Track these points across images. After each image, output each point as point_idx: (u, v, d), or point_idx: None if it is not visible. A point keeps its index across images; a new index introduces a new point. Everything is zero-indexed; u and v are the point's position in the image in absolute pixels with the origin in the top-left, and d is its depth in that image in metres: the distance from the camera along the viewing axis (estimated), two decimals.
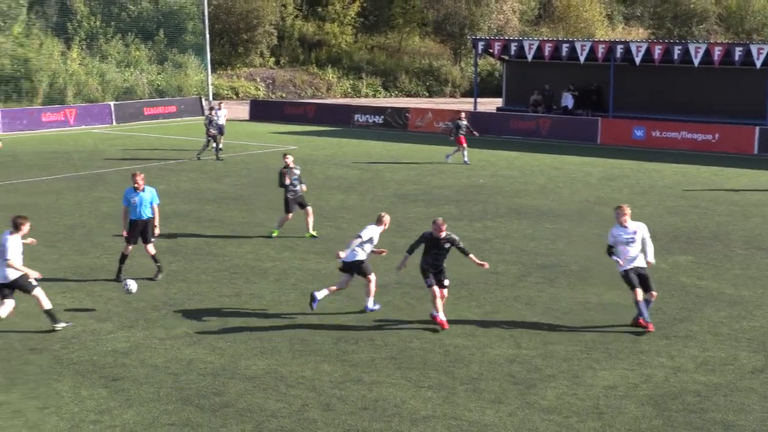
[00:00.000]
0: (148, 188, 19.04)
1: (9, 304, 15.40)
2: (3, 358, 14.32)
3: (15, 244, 15.27)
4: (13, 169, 33.93)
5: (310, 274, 19.51)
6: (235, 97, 67.02)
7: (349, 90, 70.15)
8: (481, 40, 50.94)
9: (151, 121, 53.20)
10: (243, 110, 57.72)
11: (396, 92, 70.75)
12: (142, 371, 13.87)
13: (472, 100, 57.30)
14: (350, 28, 73.72)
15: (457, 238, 16.06)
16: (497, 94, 59.18)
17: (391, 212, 25.59)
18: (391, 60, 72.47)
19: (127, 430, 11.89)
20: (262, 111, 54.93)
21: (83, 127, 49.92)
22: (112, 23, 62.52)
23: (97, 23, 62.20)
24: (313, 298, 16.62)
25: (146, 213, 18.93)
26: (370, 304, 16.97)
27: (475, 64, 55.79)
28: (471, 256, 16.16)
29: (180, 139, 44.44)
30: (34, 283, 15.49)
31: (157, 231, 19.19)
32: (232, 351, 14.77)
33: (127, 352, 14.71)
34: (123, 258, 19.09)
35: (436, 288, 15.98)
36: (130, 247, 18.99)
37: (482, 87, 64.81)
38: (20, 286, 15.39)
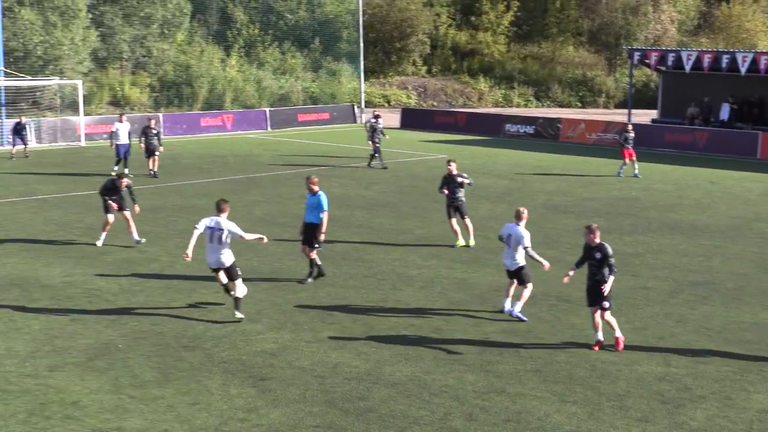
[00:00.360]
0: (320, 194, 19.18)
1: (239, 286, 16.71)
2: (159, 354, 14.84)
3: (231, 225, 16.47)
4: (174, 172, 35.13)
5: (456, 283, 19.50)
6: (386, 105, 67.60)
7: (500, 99, 69.84)
8: (637, 50, 49.88)
9: (304, 127, 54.22)
10: (394, 118, 58.16)
11: (548, 102, 70.05)
12: (289, 372, 14.13)
13: (625, 111, 56.17)
14: (503, 37, 73.42)
15: (610, 251, 15.37)
16: (652, 106, 57.85)
17: (540, 224, 25.37)
18: (544, 70, 71.79)
19: (273, 429, 12.14)
20: (412, 119, 55.25)
21: (239, 132, 51.30)
22: (270, 31, 64.05)
23: (256, 31, 63.83)
24: (512, 314, 16.87)
25: (313, 217, 19.14)
26: (516, 309, 16.87)
27: (630, 75, 54.70)
28: (611, 277, 15.32)
29: (332, 146, 45.13)
30: (239, 271, 16.83)
31: (322, 237, 19.26)
32: (377, 356, 14.89)
33: (275, 353, 15.01)
34: (311, 262, 19.34)
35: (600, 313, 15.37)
36: (307, 248, 19.27)
37: (637, 98, 63.49)
38: (231, 272, 16.62)
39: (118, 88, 54.01)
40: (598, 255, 15.39)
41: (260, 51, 62.81)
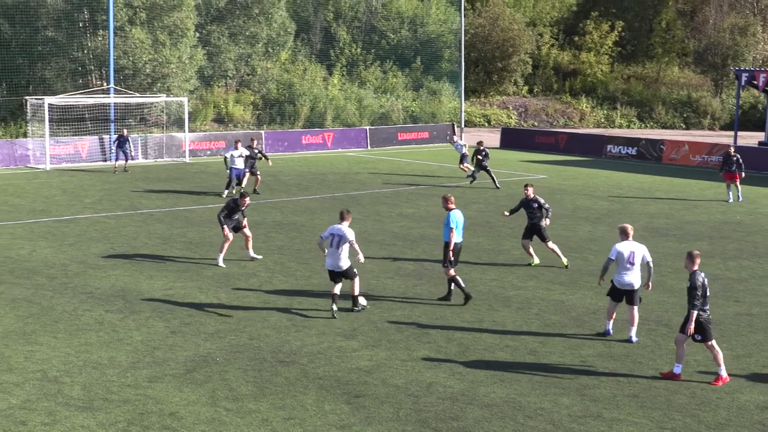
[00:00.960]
0: (459, 211, 19.18)
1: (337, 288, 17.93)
2: (255, 368, 15.00)
3: (350, 232, 17.83)
4: (274, 188, 35.59)
5: (553, 305, 19.27)
6: (486, 124, 67.42)
7: (602, 120, 69.00)
8: (745, 71, 48.76)
9: (404, 146, 54.38)
10: (494, 138, 57.94)
11: (651, 123, 68.93)
12: (383, 390, 14.13)
13: (731, 133, 54.91)
14: (606, 57, 72.60)
15: (700, 280, 14.60)
16: (760, 128, 56.43)
17: None
18: (648, 90, 70.70)
19: None
20: (512, 139, 54.95)
21: (339, 150, 51.73)
22: (372, 51, 64.52)
23: (358, 50, 64.37)
24: (629, 340, 16.63)
25: (461, 235, 19.08)
26: (633, 334, 16.67)
27: (738, 96, 53.45)
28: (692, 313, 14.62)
29: (431, 165, 45.15)
30: (356, 271, 18.10)
31: (449, 257, 19.10)
32: (472, 377, 14.79)
33: (370, 370, 15.02)
34: (456, 281, 19.05)
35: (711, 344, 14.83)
36: (452, 271, 19.00)
37: (743, 120, 62.02)
38: (348, 274, 17.88)
39: (222, 106, 55.05)
40: (688, 283, 14.92)
41: (362, 70, 63.29)
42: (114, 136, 43.79)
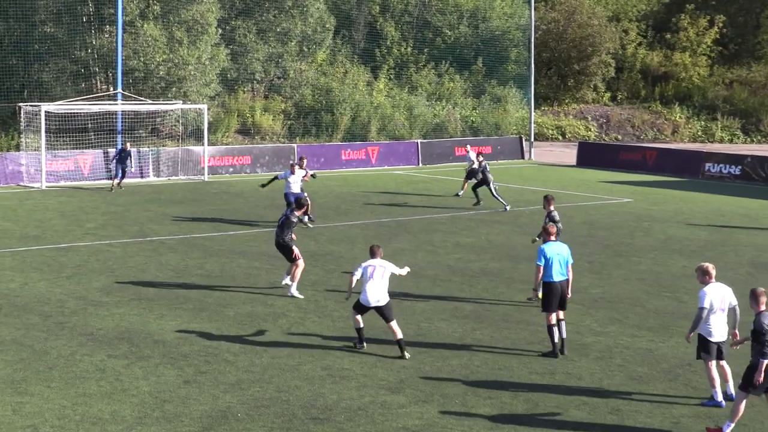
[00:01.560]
0: (561, 244, 19.29)
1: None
2: (284, 426, 14.95)
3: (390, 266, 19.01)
4: (309, 213, 35.62)
5: (639, 355, 19.05)
6: (560, 138, 67.28)
7: (699, 133, 68.54)
8: None
9: (462, 162, 54.30)
10: (569, 154, 57.77)
11: (759, 137, 68.32)
12: None
13: None
14: (705, 58, 72.19)
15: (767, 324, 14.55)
16: None
17: (746, 286, 24.59)
18: (755, 98, 70.11)
19: None
20: (592, 155, 54.75)
21: (385, 167, 51.82)
22: (425, 50, 64.67)
23: (409, 50, 64.55)
24: (729, 397, 16.31)
25: (563, 274, 18.99)
26: (731, 389, 16.36)
27: None
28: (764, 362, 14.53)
29: (498, 186, 45.02)
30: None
31: (568, 295, 19.12)
32: None
33: (420, 430, 14.92)
34: (550, 331, 18.88)
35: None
36: (552, 317, 18.88)
37: None
38: (385, 313, 18.49)
39: (248, 115, 55.45)
40: (752, 326, 14.78)
41: (413, 73, 63.47)
42: (118, 149, 44.29)
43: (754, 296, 14.87)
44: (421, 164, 53.95)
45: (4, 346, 18.58)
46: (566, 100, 70.36)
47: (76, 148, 45.24)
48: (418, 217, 35.29)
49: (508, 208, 37.15)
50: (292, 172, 32.82)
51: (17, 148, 45.54)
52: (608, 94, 71.45)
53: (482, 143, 56.63)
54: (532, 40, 60.81)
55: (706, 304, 16.19)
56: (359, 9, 65.05)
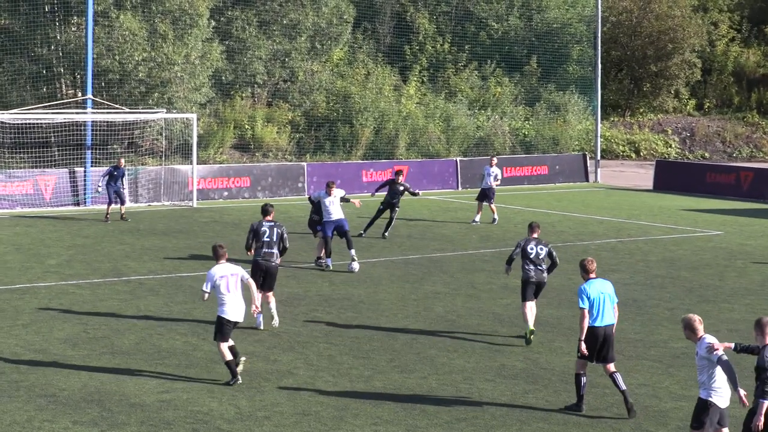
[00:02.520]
0: (603, 281, 19.77)
1: None
2: None
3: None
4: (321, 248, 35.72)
5: (732, 425, 18.97)
6: (633, 156, 67.27)
7: None
8: None
9: (511, 186, 54.31)
10: (645, 175, 57.70)
11: None
12: None
13: None
14: None
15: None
16: None
17: None
18: None
19: None
20: (672, 177, 54.68)
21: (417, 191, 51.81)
22: (466, 47, 64.68)
23: (446, 46, 64.63)
24: None
25: (608, 316, 19.34)
26: None
27: None
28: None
29: (551, 214, 44.99)
30: None
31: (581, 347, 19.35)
32: None
33: None
34: (578, 378, 19.36)
35: None
36: (584, 364, 19.31)
37: None
38: None
39: (247, 126, 55.61)
40: (756, 362, 15.07)
41: (451, 74, 63.52)
42: (93, 169, 44.45)
43: (760, 326, 15.01)
44: (460, 187, 53.96)
45: None
46: (641, 109, 70.36)
47: (36, 167, 45.49)
48: (456, 253, 35.27)
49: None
50: (328, 193, 32.50)
51: None
52: (693, 102, 71.41)
53: (537, 162, 56.66)
54: (599, 36, 60.85)
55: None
56: None
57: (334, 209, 32.19)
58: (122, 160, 41.85)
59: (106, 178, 40.78)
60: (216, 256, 21.20)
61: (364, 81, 59.53)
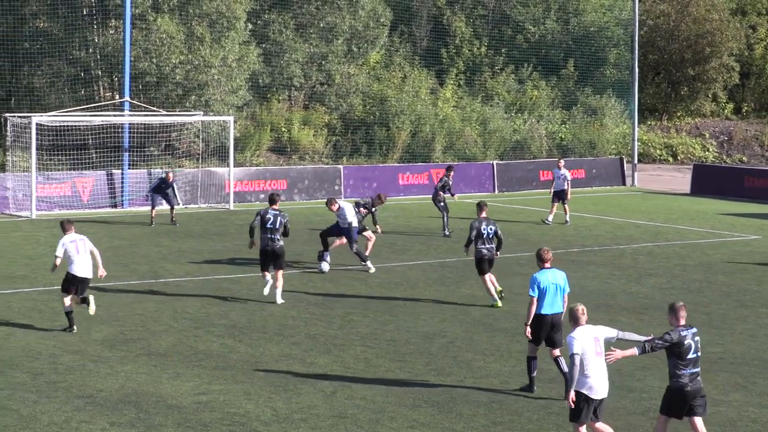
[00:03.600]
0: (557, 271, 20.89)
1: None
2: None
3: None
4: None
5: None
6: (670, 159, 67.00)
7: None
8: None
9: (548, 189, 54.14)
10: (682, 180, 57.47)
11: None
12: None
13: None
14: None
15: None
16: None
17: None
18: None
19: None
20: (710, 181, 54.44)
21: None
22: (503, 50, 64.62)
23: (483, 50, 64.56)
24: None
25: (557, 305, 20.58)
26: None
27: None
28: None
29: (587, 219, 44.87)
30: None
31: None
32: None
33: None
34: (530, 361, 20.44)
35: None
36: (536, 349, 20.32)
37: None
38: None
39: (284, 129, 55.67)
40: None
41: (488, 78, 63.46)
42: (131, 172, 44.57)
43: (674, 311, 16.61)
44: (496, 191, 53.89)
45: None
46: (678, 113, 70.05)
47: (74, 169, 45.67)
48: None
49: None
50: (360, 211, 33.77)
51: (2, 168, 46.00)
52: (731, 106, 71.06)
53: (574, 166, 56.44)
54: (636, 39, 60.67)
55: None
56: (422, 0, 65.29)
57: (351, 215, 32.22)
58: (170, 174, 41.41)
59: (154, 189, 40.76)
60: (63, 229, 24.93)
61: (401, 84, 59.53)
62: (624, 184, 58.03)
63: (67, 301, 24.29)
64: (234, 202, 46.32)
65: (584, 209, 47.63)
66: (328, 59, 57.28)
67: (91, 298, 24.39)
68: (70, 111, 45.59)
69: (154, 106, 47.47)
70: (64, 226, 25.06)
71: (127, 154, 46.57)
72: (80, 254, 24.44)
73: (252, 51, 52.69)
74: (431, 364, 22.26)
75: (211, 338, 24.07)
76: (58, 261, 24.37)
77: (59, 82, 49.40)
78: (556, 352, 20.33)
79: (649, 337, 16.60)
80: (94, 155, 46.68)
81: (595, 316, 26.71)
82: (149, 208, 40.93)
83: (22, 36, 49.51)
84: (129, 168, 46.18)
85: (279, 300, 27.35)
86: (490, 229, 27.25)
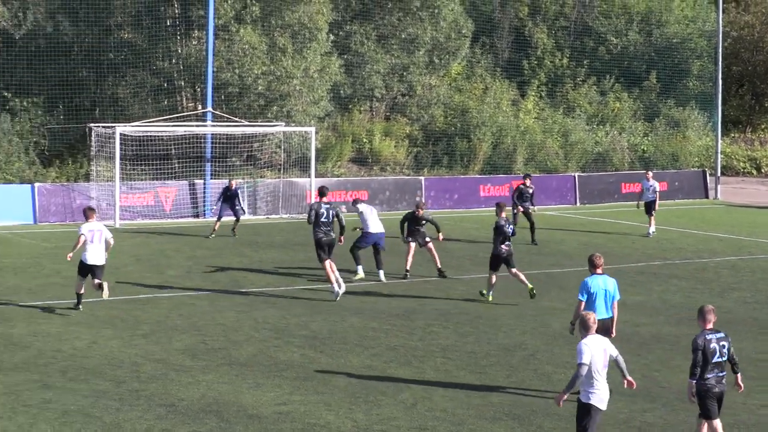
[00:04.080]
0: (608, 277, 21.34)
1: None
2: None
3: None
4: (443, 262, 35.73)
5: None
6: (755, 172, 66.42)
7: None
8: None
9: (630, 202, 53.90)
10: (766, 193, 56.87)
11: None
12: None
13: None
14: None
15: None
16: None
17: None
18: None
19: None
20: None
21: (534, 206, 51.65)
22: (585, 62, 64.42)
23: (564, 61, 64.43)
24: None
25: (606, 310, 21.07)
26: None
27: None
28: None
29: (670, 231, 44.57)
30: None
31: (612, 334, 20.63)
32: None
33: None
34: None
35: None
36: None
37: None
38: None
39: (365, 140, 55.81)
40: None
41: (569, 90, 63.30)
42: (214, 182, 44.87)
43: (702, 314, 17.18)
44: (578, 203, 53.67)
45: (68, 417, 18.95)
46: (763, 125, 69.47)
47: (157, 179, 46.06)
48: (573, 269, 35.05)
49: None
50: (418, 220, 33.70)
51: (86, 178, 46.48)
52: None
53: (656, 178, 56.01)
54: (720, 50, 60.19)
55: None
56: (503, 11, 65.20)
57: (374, 224, 32.78)
58: (233, 181, 41.47)
59: (221, 199, 40.84)
60: (85, 216, 27.40)
61: (482, 95, 59.53)
62: (707, 197, 57.56)
63: (81, 284, 27.16)
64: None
65: (667, 222, 47.32)
66: (410, 70, 57.38)
67: (105, 284, 26.70)
68: (154, 121, 46.00)
69: (236, 117, 47.77)
70: (86, 213, 27.53)
71: (209, 164, 46.89)
72: (94, 243, 26.76)
73: (334, 62, 52.86)
74: (512, 376, 22.20)
75: (291, 348, 24.16)
76: (80, 244, 26.81)
77: (143, 92, 49.85)
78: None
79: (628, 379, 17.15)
80: (176, 165, 47.05)
81: (677, 330, 26.55)
82: (222, 218, 40.65)
83: (107, 47, 50.03)
84: (211, 178, 46.48)
85: (342, 287, 29.30)
86: (509, 228, 29.67)
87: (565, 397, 16.42)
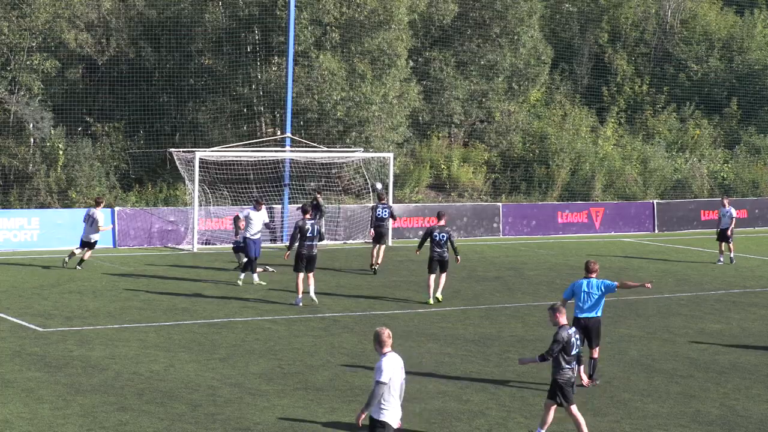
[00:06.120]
0: (594, 281, 23.19)
1: None
2: None
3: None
4: (515, 288, 35.62)
5: None
6: None
7: None
8: None
9: (709, 229, 53.47)
10: None
11: None
12: None
13: None
14: None
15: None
16: None
17: None
18: None
19: None
20: None
21: (612, 233, 51.42)
22: (665, 88, 64.14)
23: (644, 88, 64.20)
24: None
25: (588, 309, 23.28)
26: None
27: None
28: None
29: (750, 259, 44.16)
30: None
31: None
32: None
33: None
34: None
35: None
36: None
37: None
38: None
39: (443, 166, 55.82)
40: None
41: (649, 116, 63.03)
42: (292, 207, 45.03)
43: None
44: (656, 230, 53.31)
45: None
46: None
47: (235, 204, 46.33)
48: (651, 296, 34.83)
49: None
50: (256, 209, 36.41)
51: (165, 202, 46.89)
52: None
53: (736, 206, 55.57)
54: None
55: None
56: (583, 37, 65.06)
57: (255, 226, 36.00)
58: (320, 196, 42.53)
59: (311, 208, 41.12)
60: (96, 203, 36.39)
61: (561, 122, 59.39)
62: None
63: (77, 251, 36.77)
64: (392, 239, 46.48)
65: (747, 250, 46.92)
66: (489, 96, 57.36)
67: (78, 252, 36.64)
68: (233, 147, 46.29)
69: (314, 142, 47.95)
70: (98, 200, 37.47)
71: (287, 188, 47.09)
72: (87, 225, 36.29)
73: (413, 88, 52.97)
74: (588, 403, 22.04)
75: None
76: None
77: (222, 117, 50.25)
78: (594, 352, 23.41)
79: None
80: (255, 190, 47.26)
81: (756, 359, 26.26)
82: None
83: (188, 72, 50.54)
84: (289, 203, 46.68)
85: (313, 296, 31.65)
86: (442, 236, 32.12)
87: (364, 416, 16.26)
